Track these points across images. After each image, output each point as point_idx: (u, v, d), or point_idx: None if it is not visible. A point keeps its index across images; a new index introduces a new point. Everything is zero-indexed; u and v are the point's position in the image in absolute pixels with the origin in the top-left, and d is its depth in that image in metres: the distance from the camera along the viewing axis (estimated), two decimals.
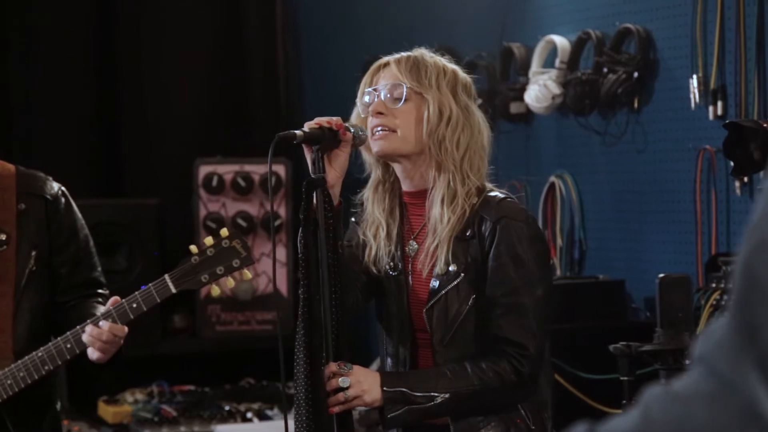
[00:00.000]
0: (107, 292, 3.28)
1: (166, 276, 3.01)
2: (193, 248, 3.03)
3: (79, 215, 3.28)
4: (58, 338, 3.04)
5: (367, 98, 2.86)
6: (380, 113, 2.81)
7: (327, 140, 2.74)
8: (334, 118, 2.77)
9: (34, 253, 3.17)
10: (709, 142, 3.94)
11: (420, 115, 2.80)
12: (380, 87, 2.84)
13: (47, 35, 6.06)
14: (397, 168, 2.88)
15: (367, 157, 2.93)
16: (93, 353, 3.01)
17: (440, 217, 2.78)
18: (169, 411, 5.30)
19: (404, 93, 2.81)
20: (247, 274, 3.10)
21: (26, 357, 3.05)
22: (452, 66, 2.90)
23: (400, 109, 2.81)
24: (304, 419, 2.67)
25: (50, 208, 3.21)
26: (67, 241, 3.23)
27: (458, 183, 2.78)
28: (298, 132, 2.72)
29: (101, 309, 3.15)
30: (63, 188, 3.27)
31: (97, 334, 2.97)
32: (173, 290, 3.00)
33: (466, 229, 2.77)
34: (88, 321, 3.01)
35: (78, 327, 3.02)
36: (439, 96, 2.81)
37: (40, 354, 3.04)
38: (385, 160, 2.88)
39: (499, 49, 4.84)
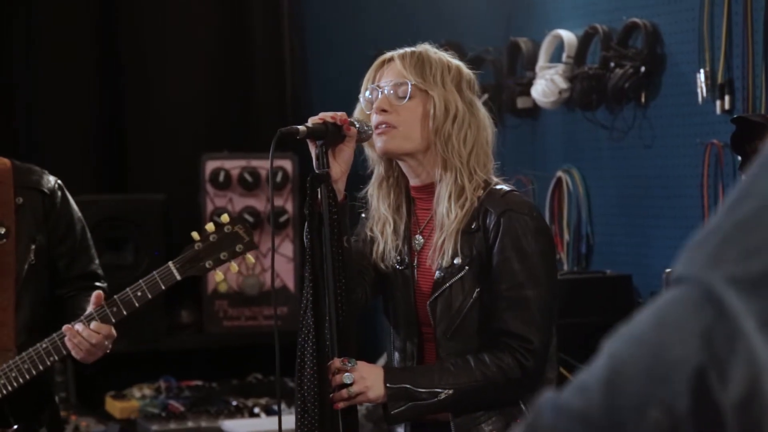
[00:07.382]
0: (105, 284, 3.28)
1: (170, 263, 3.01)
2: (195, 235, 3.02)
3: (76, 208, 3.28)
4: (54, 334, 3.04)
5: (370, 94, 2.83)
6: (384, 110, 2.78)
7: (331, 135, 2.72)
8: (339, 113, 2.75)
9: (33, 247, 3.16)
10: (717, 136, 3.93)
11: (425, 112, 2.77)
12: (384, 84, 2.81)
13: (51, 31, 6.05)
14: (403, 165, 2.86)
15: (371, 153, 2.90)
16: (77, 354, 3.02)
17: (447, 213, 2.76)
18: (177, 406, 5.30)
19: (409, 90, 2.77)
20: (250, 259, 3.09)
21: (30, 349, 3.05)
22: (456, 62, 2.86)
23: (404, 106, 2.78)
24: (309, 415, 2.67)
25: (47, 201, 3.20)
26: (65, 234, 3.23)
27: (465, 179, 2.76)
28: (301, 127, 2.70)
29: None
30: (59, 181, 3.26)
31: (87, 336, 2.98)
32: (178, 277, 3.00)
33: (471, 222, 2.75)
34: (75, 321, 3.01)
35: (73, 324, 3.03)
36: (444, 93, 2.78)
37: (44, 345, 3.04)
38: (389, 158, 2.86)
39: (506, 44, 4.84)
